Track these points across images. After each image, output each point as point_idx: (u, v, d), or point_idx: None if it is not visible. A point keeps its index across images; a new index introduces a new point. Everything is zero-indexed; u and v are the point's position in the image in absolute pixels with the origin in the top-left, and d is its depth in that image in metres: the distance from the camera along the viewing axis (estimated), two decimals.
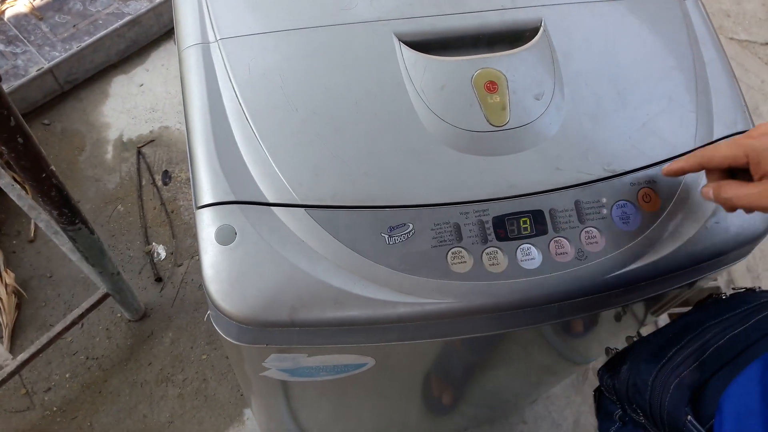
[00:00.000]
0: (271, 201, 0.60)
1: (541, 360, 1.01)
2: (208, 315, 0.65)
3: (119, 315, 1.55)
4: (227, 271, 0.58)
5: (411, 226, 0.60)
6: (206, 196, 0.60)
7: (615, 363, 0.76)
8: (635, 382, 0.68)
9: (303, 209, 0.60)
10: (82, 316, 1.36)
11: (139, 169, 1.77)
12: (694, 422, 0.59)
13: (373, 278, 0.59)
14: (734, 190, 0.55)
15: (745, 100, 0.72)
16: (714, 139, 0.68)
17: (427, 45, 0.66)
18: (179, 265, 1.64)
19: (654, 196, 0.65)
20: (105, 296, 1.39)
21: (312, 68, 0.65)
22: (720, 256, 0.66)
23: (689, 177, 0.66)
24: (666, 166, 0.62)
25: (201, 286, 1.61)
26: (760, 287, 0.74)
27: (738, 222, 0.66)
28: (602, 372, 0.78)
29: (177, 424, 1.44)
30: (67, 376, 1.48)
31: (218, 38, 0.66)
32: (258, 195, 0.60)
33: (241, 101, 0.63)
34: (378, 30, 0.66)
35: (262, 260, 0.58)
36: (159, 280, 1.61)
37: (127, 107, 1.88)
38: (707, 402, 0.57)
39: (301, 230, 0.59)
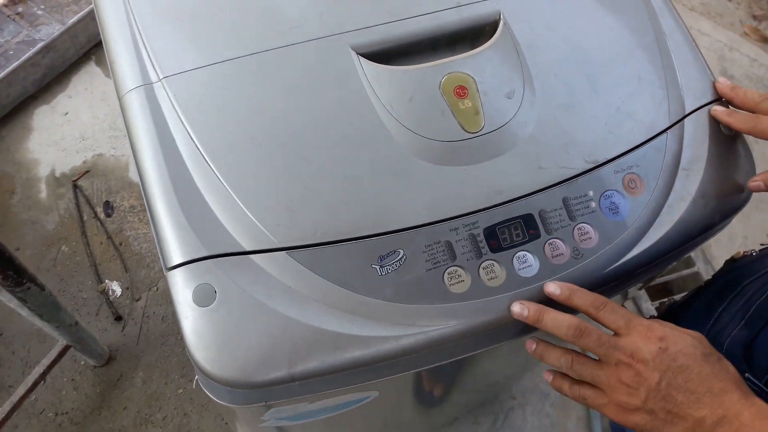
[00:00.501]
0: (248, 249, 0.55)
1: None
2: (197, 380, 0.60)
3: (83, 363, 1.46)
4: (212, 335, 0.53)
5: (402, 252, 0.57)
6: (175, 255, 0.54)
7: None
8: None
9: (284, 252, 0.55)
10: (43, 374, 1.28)
11: (77, 204, 1.67)
12: (752, 378, 0.60)
13: (371, 315, 0.55)
14: None
15: (709, 67, 0.71)
16: (687, 113, 0.67)
17: (386, 55, 0.62)
18: (137, 300, 1.56)
19: (639, 180, 0.63)
20: (65, 348, 1.30)
21: (270, 96, 0.60)
22: (710, 229, 0.66)
23: (669, 154, 0.65)
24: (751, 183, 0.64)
25: (164, 318, 1.54)
26: None
27: (722, 193, 0.66)
28: None
29: None
30: None
31: (161, 77, 0.60)
32: (233, 245, 0.55)
33: (197, 143, 0.57)
34: (332, 45, 0.62)
35: (249, 316, 0.53)
36: (119, 318, 1.53)
37: (55, 139, 1.76)
38: (759, 357, 0.58)
39: (286, 275, 0.55)
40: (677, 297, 0.82)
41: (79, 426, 1.40)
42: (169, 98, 0.59)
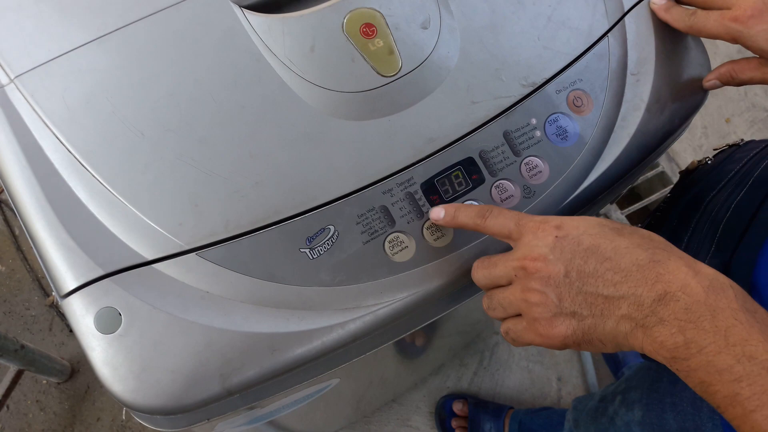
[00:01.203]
0: (149, 258, 0.47)
1: None
2: (126, 411, 0.52)
3: (45, 381, 1.38)
4: (127, 364, 0.45)
5: (332, 228, 0.49)
6: (66, 281, 0.46)
7: None
8: None
9: (193, 254, 0.47)
10: (0, 404, 1.19)
11: (6, 219, 1.54)
12: None
13: (308, 305, 0.48)
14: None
15: None
16: (626, 10, 0.59)
17: (274, 2, 0.52)
18: None
19: (585, 96, 0.56)
20: (19, 373, 1.22)
21: (145, 75, 0.50)
22: (670, 136, 0.59)
23: (614, 60, 0.58)
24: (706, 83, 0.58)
25: None
26: (743, 140, 0.67)
27: (677, 93, 0.59)
28: None
29: None
30: None
31: (13, 77, 0.49)
32: (131, 256, 0.47)
33: (68, 146, 0.48)
34: (208, 2, 0.52)
35: (165, 334, 0.46)
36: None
37: None
38: (738, 283, 0.52)
39: (201, 280, 0.47)
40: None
41: None
42: (26, 100, 0.49)
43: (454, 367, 1.39)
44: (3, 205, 1.56)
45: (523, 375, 1.38)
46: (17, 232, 1.53)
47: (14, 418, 1.36)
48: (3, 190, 1.56)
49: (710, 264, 0.54)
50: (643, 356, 0.73)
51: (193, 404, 0.46)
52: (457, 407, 1.28)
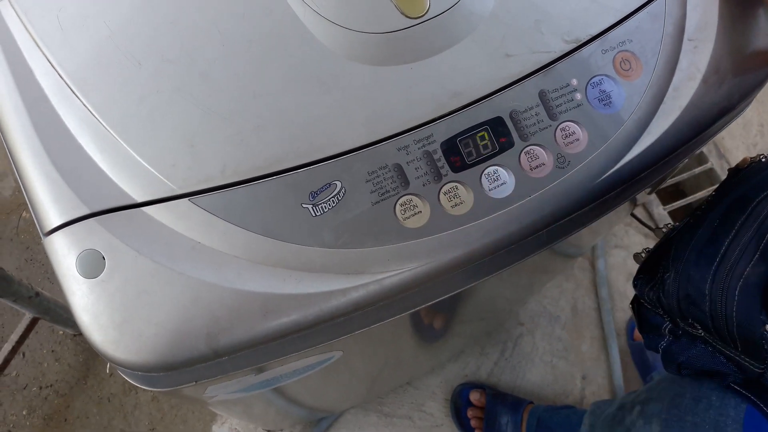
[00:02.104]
0: (139, 200, 0.43)
1: (531, 267, 0.89)
2: (109, 365, 0.49)
3: (62, 332, 1.38)
4: (108, 312, 0.42)
5: (339, 184, 0.44)
6: (50, 216, 0.43)
7: (651, 268, 0.63)
8: (687, 294, 0.55)
9: (186, 200, 0.43)
10: (14, 350, 1.19)
11: None
12: None
13: (307, 266, 0.44)
14: None
15: None
16: None
17: None
18: None
19: (634, 59, 0.50)
20: (34, 321, 1.21)
21: None
22: (727, 113, 0.53)
23: (669, 21, 0.51)
24: None
25: None
26: None
27: (740, 65, 0.52)
28: (640, 283, 0.64)
29: (160, 429, 1.31)
30: (24, 413, 1.32)
31: None
32: (119, 196, 0.43)
33: (59, 71, 0.44)
34: None
35: (150, 284, 0.42)
36: None
37: None
38: None
39: (192, 228, 0.43)
40: (676, 223, 0.67)
41: (65, 398, 1.33)
42: (19, 17, 0.45)
43: (474, 355, 1.34)
44: None
45: (546, 370, 1.33)
46: None
47: (29, 366, 1.36)
48: None
49: (753, 273, 0.48)
50: (667, 367, 0.66)
51: (177, 363, 0.43)
52: (474, 397, 1.23)
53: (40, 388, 1.34)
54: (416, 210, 0.45)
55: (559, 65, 0.48)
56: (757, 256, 0.50)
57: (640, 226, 1.44)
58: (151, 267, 0.42)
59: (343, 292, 0.44)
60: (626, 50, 0.49)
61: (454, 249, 0.46)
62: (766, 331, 0.47)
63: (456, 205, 0.46)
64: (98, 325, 0.42)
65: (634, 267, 0.69)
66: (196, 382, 0.47)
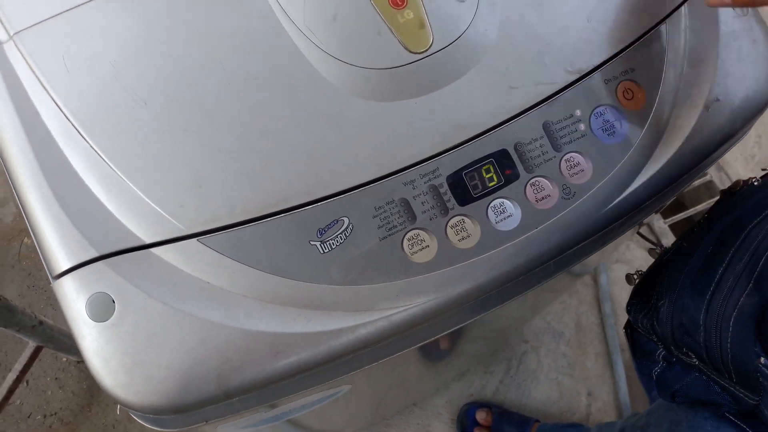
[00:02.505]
0: (147, 241, 0.43)
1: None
2: (120, 407, 0.49)
3: (65, 359, 1.38)
4: (118, 356, 0.42)
5: (346, 220, 0.44)
6: (59, 260, 0.43)
7: (645, 293, 0.62)
8: (682, 323, 0.54)
9: (194, 240, 0.43)
10: (18, 379, 1.19)
11: None
12: None
13: (315, 304, 0.44)
14: None
15: None
16: None
17: None
18: None
19: (636, 88, 0.50)
20: (38, 349, 1.21)
21: (151, 39, 0.46)
22: (729, 139, 0.53)
23: (671, 49, 0.52)
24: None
25: None
26: None
27: (741, 91, 0.53)
28: (633, 309, 0.64)
29: None
30: None
31: (12, 33, 0.46)
32: (128, 238, 0.43)
33: (65, 112, 0.44)
34: None
35: (160, 326, 0.42)
36: None
37: None
38: None
39: (201, 269, 0.43)
40: (668, 244, 0.66)
41: (69, 425, 1.32)
42: (25, 59, 0.45)
43: (479, 373, 1.33)
44: None
45: (552, 387, 1.32)
46: None
47: (33, 394, 1.35)
48: None
49: (747, 302, 0.47)
50: (661, 394, 0.65)
51: (188, 405, 0.43)
52: (481, 416, 1.22)
53: (45, 416, 1.34)
54: (424, 244, 0.45)
55: (563, 96, 0.48)
56: (750, 285, 0.50)
57: (642, 240, 1.44)
58: (161, 309, 0.42)
59: (353, 329, 0.44)
60: (629, 79, 0.50)
61: (462, 283, 0.46)
62: (760, 363, 0.47)
63: (463, 239, 0.46)
64: (109, 369, 0.42)
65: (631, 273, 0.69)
66: (206, 422, 0.47)
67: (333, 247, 0.44)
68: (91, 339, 0.42)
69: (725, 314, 0.50)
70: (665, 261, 0.61)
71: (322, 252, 0.44)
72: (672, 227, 1.47)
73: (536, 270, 0.48)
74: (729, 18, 0.53)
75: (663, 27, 0.51)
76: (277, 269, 0.43)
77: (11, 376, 1.19)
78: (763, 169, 0.61)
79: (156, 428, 0.47)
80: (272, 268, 0.43)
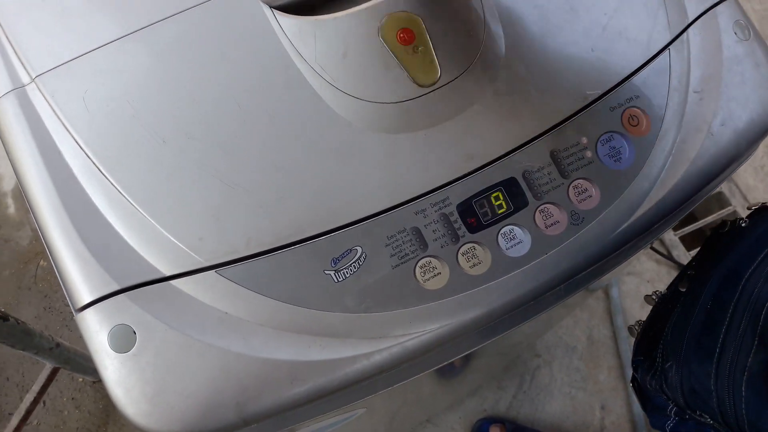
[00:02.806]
0: (167, 274, 0.44)
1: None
2: None
3: (81, 379, 1.39)
4: (140, 386, 0.43)
5: (359, 249, 0.46)
6: (81, 294, 0.44)
7: (648, 350, 0.61)
8: (693, 389, 0.54)
9: (213, 272, 0.44)
10: (35, 400, 1.20)
11: None
12: None
13: (331, 332, 0.45)
14: None
15: None
16: (691, 21, 0.54)
17: (306, 2, 0.49)
18: None
19: (641, 115, 0.51)
20: (55, 370, 1.23)
21: (168, 78, 0.48)
22: (735, 162, 0.54)
23: (675, 76, 0.53)
24: None
25: None
26: None
27: (745, 114, 0.53)
28: (641, 369, 0.63)
29: None
30: None
31: (34, 76, 0.48)
32: (148, 271, 0.44)
33: (87, 152, 0.46)
34: (237, 1, 0.49)
35: (180, 356, 0.43)
36: None
37: None
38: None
39: (219, 300, 0.44)
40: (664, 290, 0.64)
41: None
42: (47, 100, 0.47)
43: (492, 389, 1.33)
44: None
45: (565, 401, 1.32)
46: None
47: (50, 414, 1.37)
48: None
49: (756, 362, 0.47)
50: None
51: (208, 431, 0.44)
52: None
53: None
54: (436, 272, 0.46)
55: (569, 124, 0.49)
56: (756, 343, 0.49)
57: (652, 252, 1.44)
58: (181, 340, 0.43)
59: (367, 356, 0.45)
60: (634, 106, 0.51)
61: (474, 309, 0.47)
62: None
63: (474, 265, 0.47)
64: (131, 399, 0.43)
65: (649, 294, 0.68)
66: None
67: (347, 275, 0.45)
68: (113, 369, 0.43)
69: (735, 379, 0.49)
70: (664, 313, 0.60)
71: (336, 281, 0.45)
72: (682, 239, 1.47)
73: (547, 294, 0.49)
74: (732, 42, 0.54)
75: (666, 54, 0.52)
76: (293, 298, 0.45)
77: (29, 397, 1.20)
78: (748, 208, 0.61)
79: None
80: (288, 298, 0.45)
